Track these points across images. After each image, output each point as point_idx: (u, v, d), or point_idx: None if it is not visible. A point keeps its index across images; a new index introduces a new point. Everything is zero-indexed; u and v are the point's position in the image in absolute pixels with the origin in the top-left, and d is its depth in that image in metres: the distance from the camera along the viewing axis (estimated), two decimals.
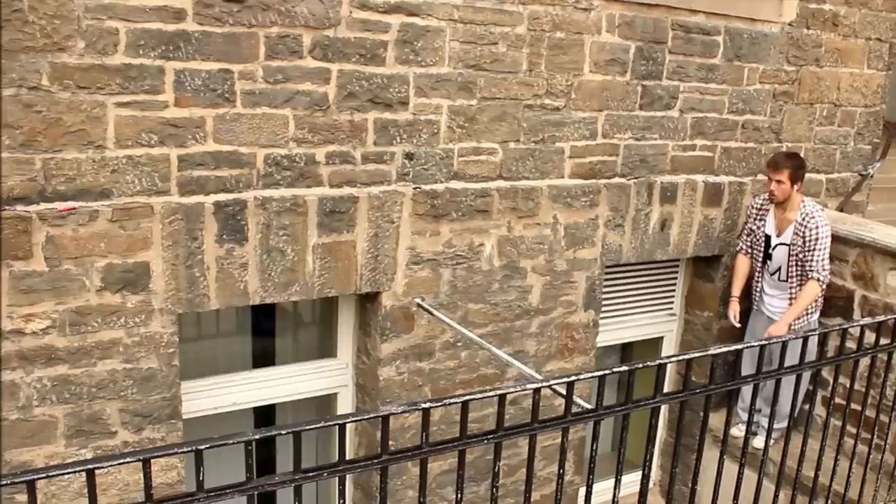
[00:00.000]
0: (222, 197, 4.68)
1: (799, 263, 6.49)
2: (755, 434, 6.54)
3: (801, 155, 6.87)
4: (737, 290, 6.81)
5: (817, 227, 6.36)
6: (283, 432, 2.98)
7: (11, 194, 4.13)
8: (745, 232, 6.83)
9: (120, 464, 2.69)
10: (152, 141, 4.43)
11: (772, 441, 4.96)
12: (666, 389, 4.35)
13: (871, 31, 7.29)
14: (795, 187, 6.41)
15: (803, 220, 6.41)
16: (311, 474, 3.04)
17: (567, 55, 5.66)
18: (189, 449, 2.75)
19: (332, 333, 5.74)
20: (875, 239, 6.41)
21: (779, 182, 6.37)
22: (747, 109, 6.74)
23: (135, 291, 4.52)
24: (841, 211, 7.55)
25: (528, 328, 6.00)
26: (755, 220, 6.73)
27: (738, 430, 6.71)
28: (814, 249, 6.37)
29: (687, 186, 6.55)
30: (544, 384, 3.53)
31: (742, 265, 6.85)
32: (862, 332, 4.76)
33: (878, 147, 7.79)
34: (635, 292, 7.09)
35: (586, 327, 6.31)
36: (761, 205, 6.69)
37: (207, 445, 2.76)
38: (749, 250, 6.81)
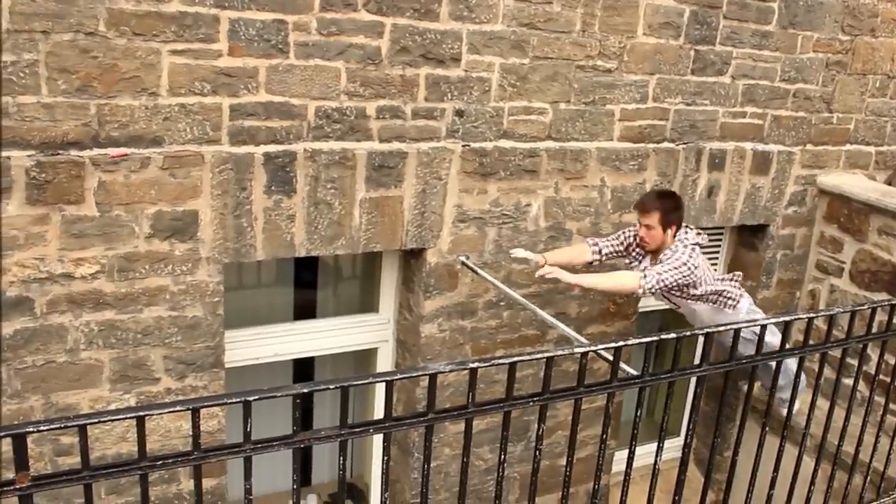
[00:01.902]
0: (272, 148, 4.68)
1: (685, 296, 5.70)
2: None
3: (677, 193, 5.94)
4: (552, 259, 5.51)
5: (674, 252, 5.45)
6: (331, 387, 2.99)
7: (66, 139, 4.14)
8: (616, 241, 5.76)
9: (170, 412, 2.71)
10: (205, 90, 4.43)
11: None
12: None
13: None
14: (669, 232, 5.49)
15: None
16: (357, 430, 3.06)
17: (621, 17, 5.59)
18: (238, 400, 2.77)
19: (375, 288, 5.75)
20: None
21: (648, 227, 5.48)
22: (799, 78, 6.64)
23: (183, 240, 4.54)
24: (889, 184, 7.45)
25: (571, 290, 5.97)
26: (634, 247, 5.76)
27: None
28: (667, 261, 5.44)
29: (735, 154, 6.48)
30: (592, 348, 3.53)
31: (573, 251, 5.72)
32: None
33: None
34: None
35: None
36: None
37: (257, 397, 2.78)
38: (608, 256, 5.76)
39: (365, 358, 5.86)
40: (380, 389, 5.51)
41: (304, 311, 5.78)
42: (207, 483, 4.93)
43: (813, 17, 6.52)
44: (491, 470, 5.94)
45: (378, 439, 5.46)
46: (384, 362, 5.77)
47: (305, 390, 2.91)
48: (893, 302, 4.70)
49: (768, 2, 6.24)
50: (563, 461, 5.84)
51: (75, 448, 3.84)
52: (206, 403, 2.76)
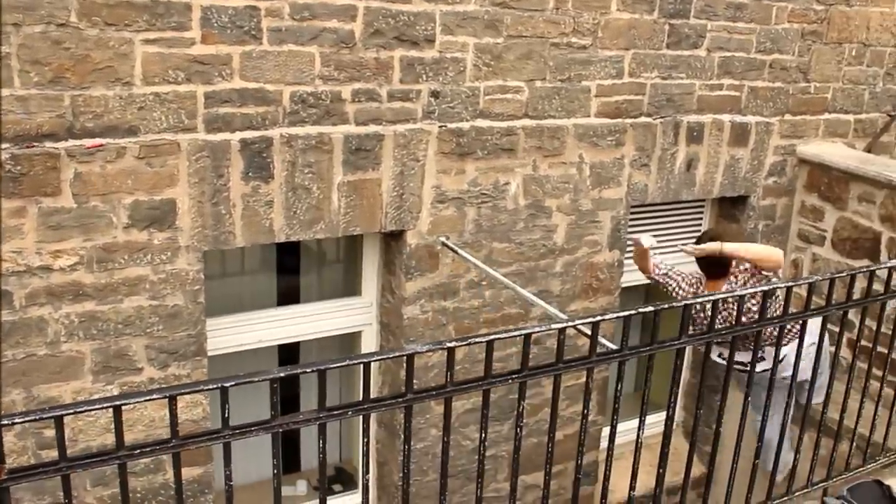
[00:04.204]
0: (248, 134, 4.68)
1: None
2: None
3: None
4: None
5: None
6: (308, 370, 3.01)
7: (40, 131, 4.14)
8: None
9: (146, 400, 2.72)
10: (179, 78, 4.43)
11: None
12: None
13: None
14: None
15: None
16: (335, 412, 3.07)
17: None
18: (215, 386, 2.78)
19: (357, 272, 5.76)
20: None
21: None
22: (775, 49, 6.65)
23: (161, 228, 4.54)
24: (869, 152, 7.47)
25: (553, 268, 6.00)
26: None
27: None
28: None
29: (713, 126, 6.49)
30: (569, 324, 3.54)
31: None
32: (889, 274, 4.75)
33: None
34: (660, 232, 7.05)
35: (611, 267, 6.31)
36: None
37: (233, 383, 2.79)
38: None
39: (349, 341, 5.87)
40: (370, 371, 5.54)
41: (288, 296, 5.78)
42: (193, 472, 4.95)
43: None
44: (478, 449, 5.95)
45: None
46: (368, 345, 5.78)
47: (283, 374, 2.93)
48: (872, 268, 4.73)
49: None
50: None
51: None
52: (182, 391, 2.77)
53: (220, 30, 4.47)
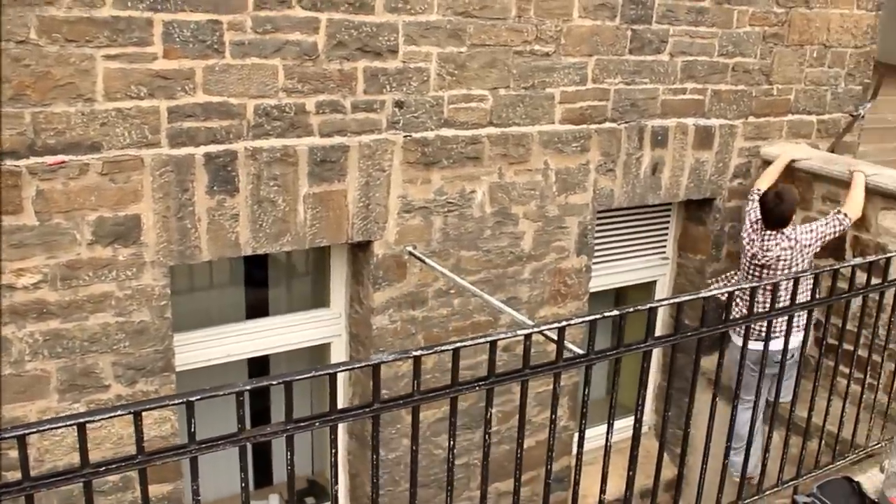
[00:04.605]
0: (212, 148, 4.67)
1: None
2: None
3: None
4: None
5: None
6: (274, 382, 3.02)
7: (1, 149, 4.11)
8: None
9: (109, 417, 2.72)
10: (141, 93, 4.41)
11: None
12: (661, 333, 4.38)
13: None
14: None
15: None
16: (302, 424, 3.08)
17: (556, 0, 5.62)
18: (180, 401, 2.78)
19: (325, 283, 5.75)
20: (866, 179, 6.40)
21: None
22: (737, 52, 6.70)
23: (126, 244, 4.52)
24: (832, 151, 7.54)
25: (521, 274, 6.02)
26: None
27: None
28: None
29: (678, 130, 6.53)
30: (535, 330, 3.56)
31: None
32: (853, 272, 4.79)
33: (869, 87, 7.76)
34: (627, 237, 7.10)
35: (579, 272, 6.33)
36: None
37: (198, 397, 2.79)
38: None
39: (319, 353, 5.86)
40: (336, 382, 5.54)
41: (257, 309, 5.77)
42: (163, 488, 4.92)
43: None
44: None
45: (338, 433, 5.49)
46: (338, 356, 5.77)
47: (248, 387, 2.93)
48: (836, 266, 4.77)
49: None
50: (524, 444, 5.91)
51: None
52: (147, 406, 2.76)
53: (183, 44, 4.46)
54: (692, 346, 4.21)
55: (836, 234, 6.27)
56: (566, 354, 3.62)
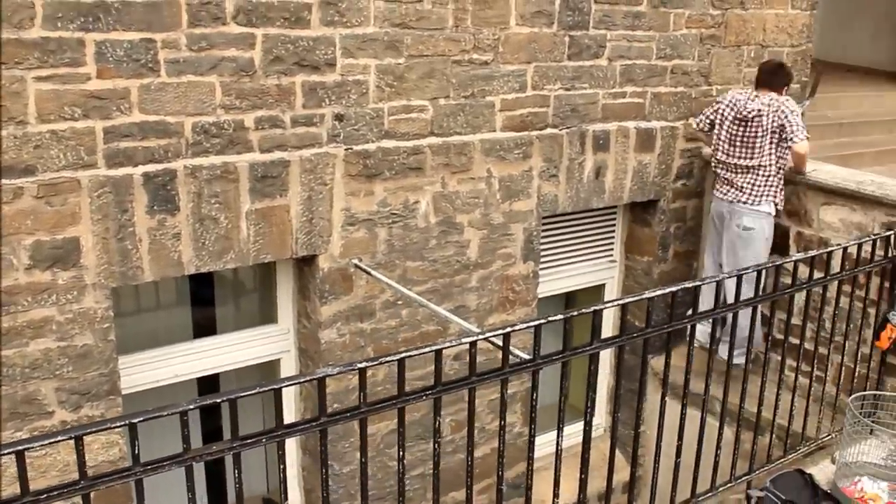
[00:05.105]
0: (151, 168, 4.63)
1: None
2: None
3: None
4: None
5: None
6: (218, 401, 2.98)
7: None
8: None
9: (50, 443, 2.67)
10: (76, 114, 4.36)
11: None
12: (612, 335, 4.41)
13: None
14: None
15: None
16: (248, 441, 3.05)
17: (492, 9, 5.64)
18: (122, 423, 2.75)
19: (272, 299, 5.71)
20: (806, 175, 6.48)
21: None
22: (675, 55, 6.77)
23: (65, 268, 4.46)
24: None
25: (468, 283, 6.02)
26: None
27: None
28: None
29: (619, 133, 6.58)
30: (480, 337, 3.56)
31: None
32: (795, 268, 4.85)
33: (807, 85, 7.86)
34: (574, 241, 7.13)
35: (526, 279, 6.35)
36: None
37: (141, 419, 2.76)
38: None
39: (269, 370, 5.82)
40: (286, 398, 5.50)
41: (204, 328, 5.71)
42: None
43: None
44: (407, 469, 5.93)
45: (289, 449, 5.45)
46: (287, 372, 5.72)
47: (191, 407, 2.90)
48: (778, 262, 4.82)
49: None
50: (479, 452, 5.91)
51: None
52: (88, 431, 2.73)
53: (116, 64, 4.42)
54: (641, 346, 4.23)
55: (790, 138, 6.38)
56: (513, 360, 3.62)
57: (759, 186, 6.42)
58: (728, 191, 6.58)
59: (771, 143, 6.37)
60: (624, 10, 6.32)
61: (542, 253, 6.61)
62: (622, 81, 6.50)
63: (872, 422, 5.20)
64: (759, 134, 6.38)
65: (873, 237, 5.51)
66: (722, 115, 6.61)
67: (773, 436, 5.33)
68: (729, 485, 4.99)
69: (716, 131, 6.67)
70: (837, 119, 9.08)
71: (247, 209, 4.97)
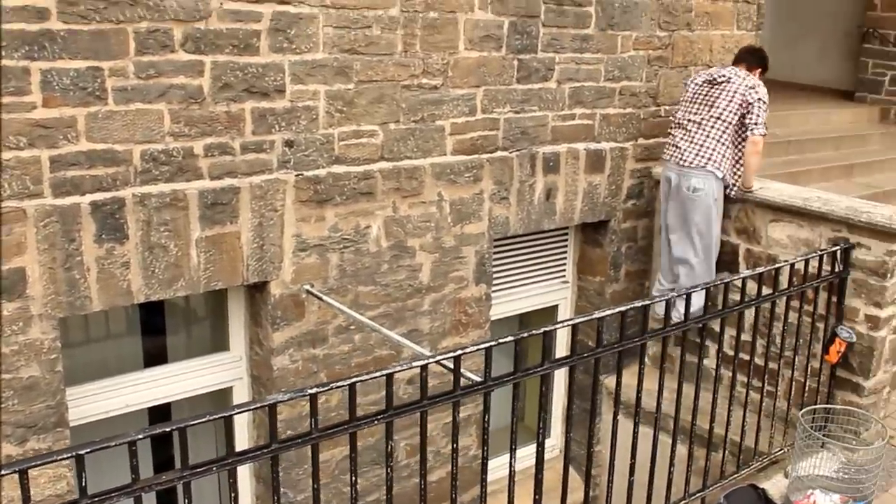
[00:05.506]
0: (99, 196, 4.59)
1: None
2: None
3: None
4: None
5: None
6: (168, 429, 2.96)
7: None
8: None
9: None
10: (21, 143, 4.32)
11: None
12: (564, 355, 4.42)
13: None
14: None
15: None
16: (199, 470, 3.03)
17: (441, 34, 5.68)
18: (69, 455, 2.72)
19: (224, 327, 5.68)
20: (755, 193, 6.55)
21: None
22: (623, 76, 6.84)
23: (11, 298, 4.40)
24: None
25: (421, 306, 6.02)
26: None
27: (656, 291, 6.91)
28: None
29: (569, 155, 6.62)
30: (431, 360, 3.57)
31: None
32: (744, 284, 4.91)
33: None
34: (527, 263, 7.15)
35: (479, 301, 6.36)
36: None
37: (88, 450, 2.73)
38: None
39: (222, 398, 5.77)
40: (239, 426, 5.47)
41: (155, 357, 5.66)
42: None
43: (629, 17, 6.73)
44: (361, 495, 5.91)
45: (241, 477, 5.41)
46: (240, 400, 5.65)
47: (140, 437, 2.88)
48: (727, 279, 4.88)
49: (585, 6, 6.42)
50: (435, 476, 5.90)
51: None
52: (33, 464, 2.70)
53: (63, 92, 4.39)
54: (593, 366, 4.25)
55: (751, 128, 6.49)
56: (464, 383, 3.63)
57: (710, 150, 6.45)
58: (677, 153, 6.61)
59: (730, 110, 6.46)
60: (572, 34, 6.38)
61: (495, 275, 6.63)
62: (571, 103, 6.55)
63: (824, 435, 5.27)
64: (724, 96, 6.46)
65: (820, 253, 5.60)
66: (694, 81, 6.72)
67: (727, 451, 5.38)
68: (683, 501, 5.02)
69: (682, 93, 6.82)
70: (786, 137, 9.19)
71: (197, 236, 4.94)
